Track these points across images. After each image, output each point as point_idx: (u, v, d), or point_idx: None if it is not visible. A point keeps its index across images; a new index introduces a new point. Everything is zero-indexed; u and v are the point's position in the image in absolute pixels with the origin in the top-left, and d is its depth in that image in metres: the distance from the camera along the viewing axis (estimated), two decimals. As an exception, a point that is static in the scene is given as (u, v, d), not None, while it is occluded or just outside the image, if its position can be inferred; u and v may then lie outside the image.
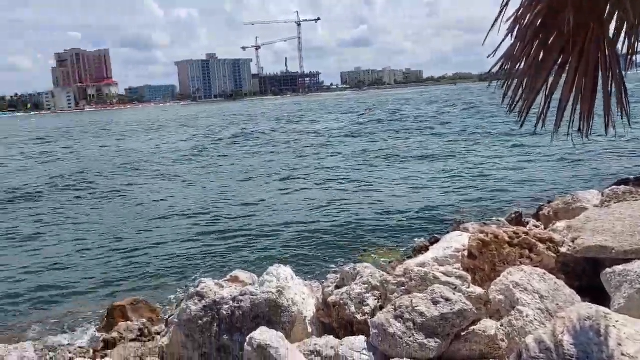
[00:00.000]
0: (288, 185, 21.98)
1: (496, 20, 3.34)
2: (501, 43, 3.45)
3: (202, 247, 13.57)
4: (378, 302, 5.40)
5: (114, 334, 8.01)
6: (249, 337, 4.63)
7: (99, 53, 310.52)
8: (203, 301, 5.07)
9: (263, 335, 4.62)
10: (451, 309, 4.59)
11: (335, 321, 5.67)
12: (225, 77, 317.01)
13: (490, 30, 3.35)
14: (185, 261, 12.55)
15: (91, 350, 7.80)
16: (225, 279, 6.53)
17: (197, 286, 5.32)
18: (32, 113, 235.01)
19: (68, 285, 11.47)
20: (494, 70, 3.59)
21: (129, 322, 8.44)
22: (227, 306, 5.01)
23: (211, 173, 27.08)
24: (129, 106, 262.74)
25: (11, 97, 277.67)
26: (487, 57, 3.55)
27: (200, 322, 4.97)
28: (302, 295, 5.78)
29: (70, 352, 7.63)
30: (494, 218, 10.46)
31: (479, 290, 5.07)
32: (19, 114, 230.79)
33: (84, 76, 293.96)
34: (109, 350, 7.35)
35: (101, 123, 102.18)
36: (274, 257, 12.13)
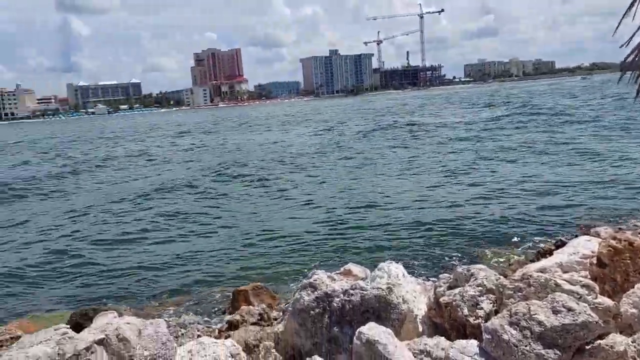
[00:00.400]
0: (408, 179, 21.77)
1: (631, 6, 3.04)
2: (636, 31, 3.14)
3: (322, 237, 13.98)
4: (493, 307, 5.18)
5: (237, 317, 8.57)
6: (358, 331, 4.70)
7: (232, 52, 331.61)
8: (315, 292, 5.24)
9: (372, 330, 4.66)
10: (574, 320, 4.26)
11: (447, 322, 5.55)
12: (346, 72, 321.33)
13: (622, 18, 3.06)
14: (306, 250, 13.02)
15: (217, 330, 8.45)
16: (338, 271, 6.67)
17: (310, 277, 5.51)
18: (174, 109, 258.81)
19: (201, 267, 12.46)
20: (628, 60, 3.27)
21: (250, 307, 8.98)
22: (337, 299, 5.13)
23: (337, 166, 27.71)
24: (257, 102, 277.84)
25: (156, 94, 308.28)
26: (620, 47, 3.25)
27: (312, 312, 5.15)
28: (413, 294, 5.73)
29: (198, 330, 8.35)
30: (631, 222, 9.42)
31: (607, 301, 4.64)
32: (162, 110, 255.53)
33: (218, 74, 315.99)
34: (232, 332, 7.89)
35: (235, 118, 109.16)
36: (388, 251, 12.13)
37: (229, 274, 11.92)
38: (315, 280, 5.35)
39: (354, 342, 4.67)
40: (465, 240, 12.59)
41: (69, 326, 5.28)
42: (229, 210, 18.76)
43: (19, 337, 6.57)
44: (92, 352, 4.71)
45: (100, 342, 4.81)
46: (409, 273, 6.35)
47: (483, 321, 5.01)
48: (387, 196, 18.49)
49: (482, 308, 5.19)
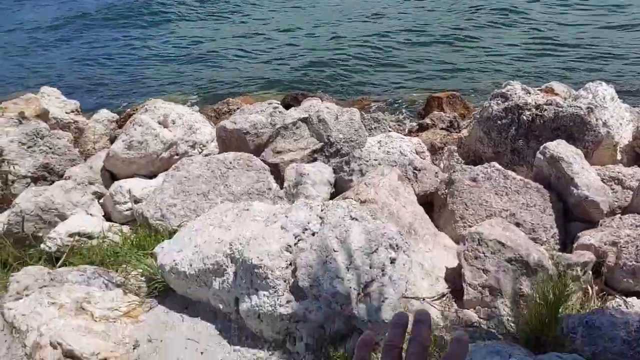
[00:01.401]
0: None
1: None
2: None
3: (534, 53, 12.72)
4: None
5: (428, 120, 8.89)
6: (543, 145, 4.61)
7: None
8: (506, 103, 5.10)
9: (559, 147, 4.53)
10: None
11: (652, 154, 5.07)
12: None
13: None
14: (512, 65, 12.14)
15: (407, 129, 8.97)
16: (539, 87, 6.30)
17: (503, 87, 5.33)
18: None
19: (405, 70, 12.60)
20: None
21: (442, 113, 9.16)
22: (528, 112, 4.96)
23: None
24: None
25: None
26: None
27: (499, 122, 5.10)
28: (619, 120, 5.23)
29: (390, 127, 8.94)
30: None
31: None
32: None
33: None
34: (421, 133, 8.30)
35: None
36: (607, 73, 10.72)
37: (428, 79, 11.94)
38: (508, 91, 5.17)
39: (536, 156, 4.62)
40: None
41: (280, 103, 6.14)
42: (449, 16, 17.52)
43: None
44: (296, 127, 5.52)
45: (304, 120, 5.58)
46: (621, 98, 5.70)
47: (696, 159, 4.48)
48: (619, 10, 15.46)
49: (700, 145, 4.59)
